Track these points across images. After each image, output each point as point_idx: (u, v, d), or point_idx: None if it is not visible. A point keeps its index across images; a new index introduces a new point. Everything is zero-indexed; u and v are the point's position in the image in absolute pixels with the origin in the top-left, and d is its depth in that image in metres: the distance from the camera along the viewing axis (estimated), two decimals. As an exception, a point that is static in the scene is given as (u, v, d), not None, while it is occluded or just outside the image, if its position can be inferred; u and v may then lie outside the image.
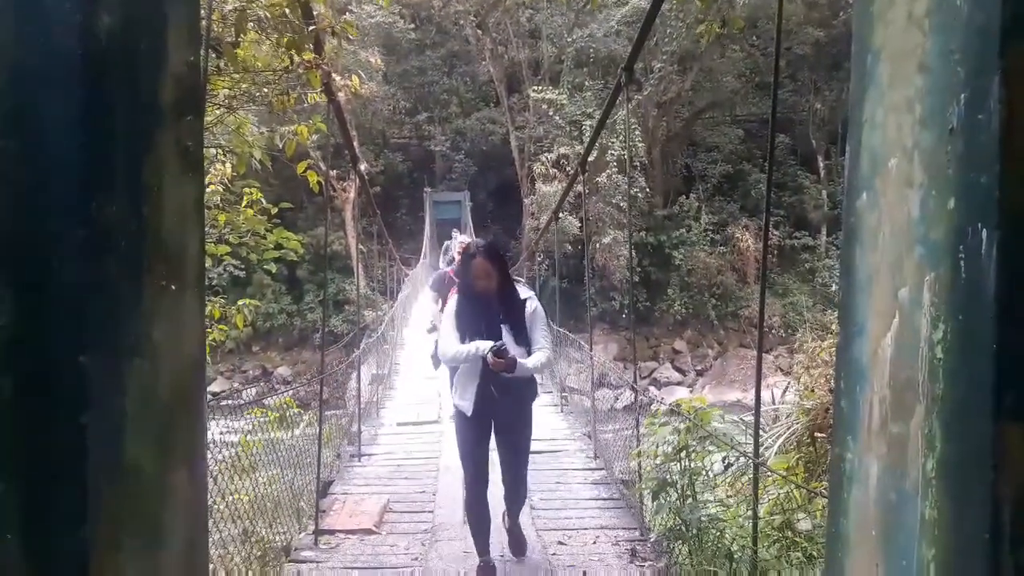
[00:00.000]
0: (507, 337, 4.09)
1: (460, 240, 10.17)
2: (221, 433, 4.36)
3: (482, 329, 4.12)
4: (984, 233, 0.73)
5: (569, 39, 27.16)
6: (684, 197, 28.07)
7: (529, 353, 4.17)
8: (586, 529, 5.35)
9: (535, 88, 26.67)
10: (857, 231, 1.00)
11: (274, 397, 6.35)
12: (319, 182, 6.13)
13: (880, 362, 0.93)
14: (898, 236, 0.90)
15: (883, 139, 0.94)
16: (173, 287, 0.96)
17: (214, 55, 4.44)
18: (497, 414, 4.23)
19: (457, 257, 7.94)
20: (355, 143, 13.68)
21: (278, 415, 5.88)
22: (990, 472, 0.73)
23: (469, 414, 4.20)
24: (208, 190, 6.07)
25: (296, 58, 4.62)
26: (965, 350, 0.77)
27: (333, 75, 5.24)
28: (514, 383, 4.14)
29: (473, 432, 4.29)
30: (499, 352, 3.96)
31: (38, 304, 0.78)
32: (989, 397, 0.73)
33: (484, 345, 4.02)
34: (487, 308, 4.18)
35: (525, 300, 4.24)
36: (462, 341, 4.16)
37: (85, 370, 0.82)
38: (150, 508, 0.98)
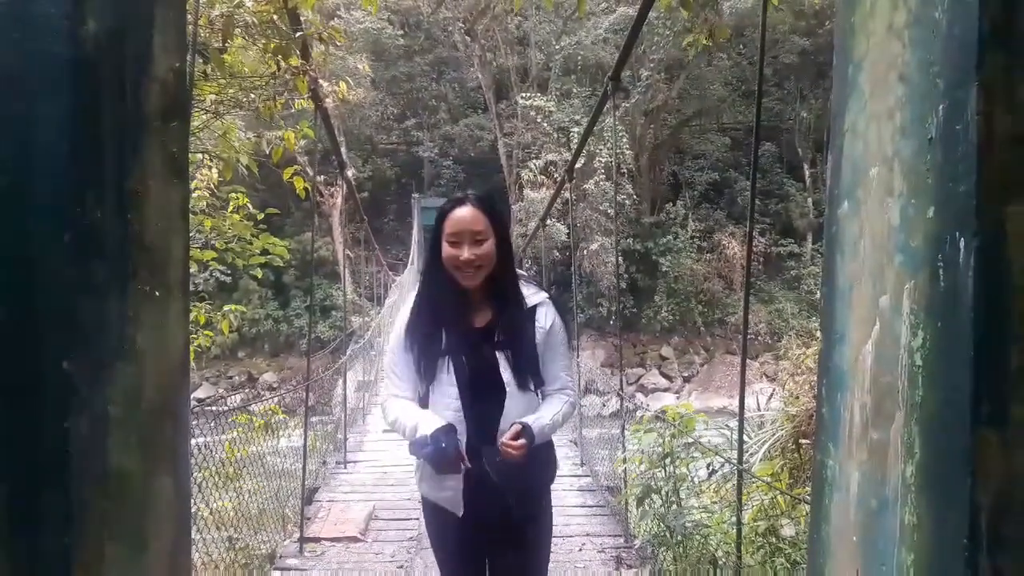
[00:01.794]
0: (505, 373, 2.42)
1: None
2: (205, 439, 4.33)
3: (460, 356, 2.41)
4: (962, 242, 0.74)
5: (557, 46, 27.23)
6: (671, 204, 28.16)
7: (540, 399, 2.51)
8: (572, 536, 5.35)
9: (523, 95, 26.73)
10: (839, 239, 1.01)
11: (259, 404, 6.32)
12: (306, 188, 6.12)
13: (861, 369, 0.94)
14: (879, 244, 0.91)
15: (864, 148, 0.95)
16: (157, 292, 0.96)
17: (201, 60, 4.43)
18: (500, 511, 2.44)
19: None
20: (343, 148, 13.68)
21: (263, 422, 5.85)
22: (967, 478, 0.73)
23: (460, 513, 2.47)
24: (195, 195, 6.06)
25: (283, 64, 4.61)
26: (943, 357, 0.78)
27: (320, 81, 5.23)
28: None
29: (463, 545, 2.58)
30: (506, 441, 2.32)
31: (22, 308, 0.78)
32: (966, 404, 0.74)
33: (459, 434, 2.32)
34: (470, 314, 2.45)
35: (535, 307, 2.47)
36: (423, 380, 2.45)
37: (69, 375, 0.82)
38: (134, 513, 0.98)
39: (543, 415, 2.44)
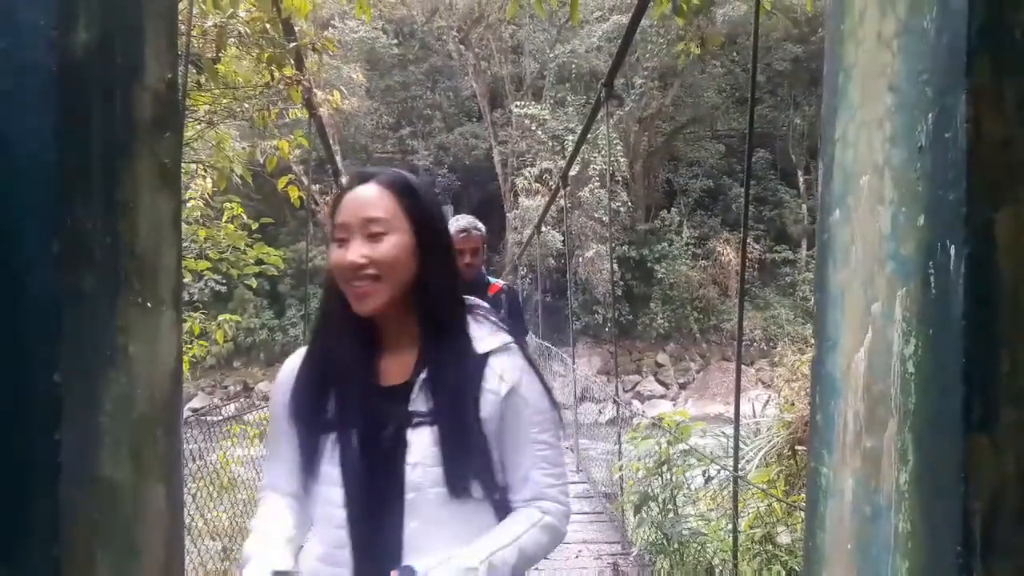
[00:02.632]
0: (415, 470, 1.40)
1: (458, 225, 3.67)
2: (199, 445, 4.31)
3: (349, 433, 1.44)
4: (952, 249, 0.75)
5: (551, 55, 27.30)
6: (666, 211, 28.20)
7: (498, 515, 1.49)
8: (568, 543, 5.34)
9: (518, 103, 26.80)
10: (830, 247, 1.02)
11: (254, 413, 6.30)
12: (301, 197, 6.13)
13: (854, 376, 0.95)
14: (870, 252, 0.91)
15: (855, 157, 0.96)
16: (149, 303, 0.96)
17: (194, 71, 4.43)
18: None
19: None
20: (338, 157, 13.71)
21: (259, 431, 5.84)
22: (960, 484, 0.74)
23: None
24: (188, 205, 6.06)
25: (277, 74, 4.62)
26: (935, 364, 0.78)
27: (315, 90, 5.24)
28: None
29: None
30: None
31: (10, 320, 0.78)
32: (958, 409, 0.74)
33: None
34: (378, 362, 1.51)
35: (486, 358, 1.48)
36: (305, 469, 1.48)
37: (58, 386, 0.82)
38: (125, 523, 0.98)
39: (471, 553, 1.35)
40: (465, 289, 3.22)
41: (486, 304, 1.60)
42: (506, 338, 1.51)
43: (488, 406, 1.43)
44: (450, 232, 1.51)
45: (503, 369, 1.46)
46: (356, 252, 1.40)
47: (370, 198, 1.44)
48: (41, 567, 0.83)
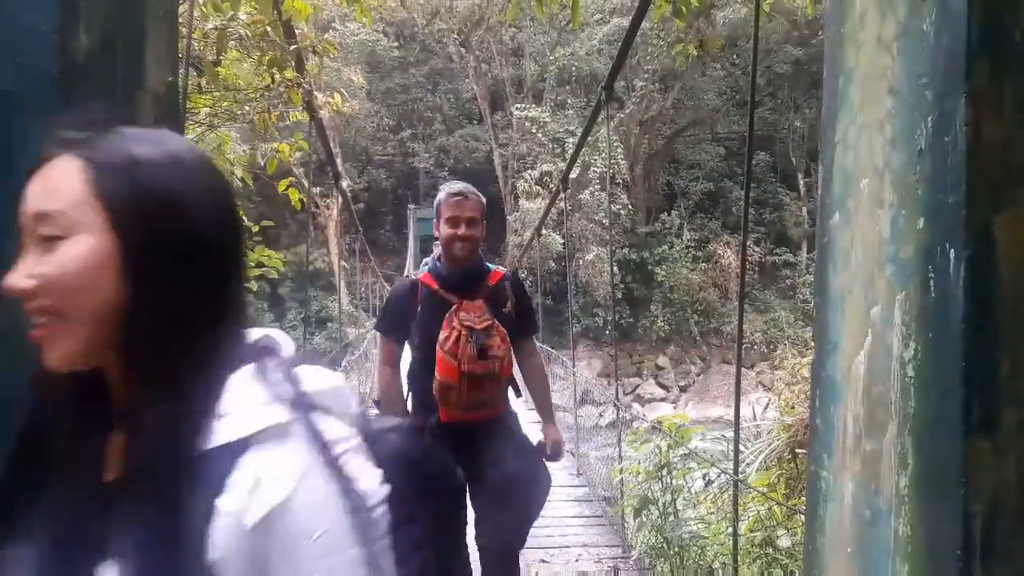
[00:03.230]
0: None
1: (452, 188, 3.13)
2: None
3: (40, 552, 0.77)
4: (952, 252, 0.75)
5: (552, 57, 27.33)
6: (666, 214, 28.21)
7: None
8: (568, 547, 5.33)
9: (518, 106, 26.82)
10: (830, 250, 1.02)
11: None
12: (301, 199, 6.13)
13: (854, 380, 0.94)
14: (870, 255, 0.91)
15: (855, 159, 0.96)
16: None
17: (195, 73, 4.43)
18: None
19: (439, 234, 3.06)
20: (338, 160, 13.71)
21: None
22: (960, 487, 0.73)
23: None
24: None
25: (278, 76, 4.62)
26: (935, 367, 0.78)
27: (315, 93, 5.25)
28: None
29: None
30: None
31: (12, 324, 0.78)
32: (958, 413, 0.74)
33: None
34: (105, 441, 0.81)
35: (240, 449, 0.74)
36: None
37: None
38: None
39: None
40: (455, 274, 2.58)
41: (288, 343, 0.91)
42: (283, 415, 0.79)
43: (223, 540, 0.73)
44: (223, 229, 0.83)
45: (259, 475, 0.75)
46: (20, 271, 0.77)
47: (47, 182, 0.79)
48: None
